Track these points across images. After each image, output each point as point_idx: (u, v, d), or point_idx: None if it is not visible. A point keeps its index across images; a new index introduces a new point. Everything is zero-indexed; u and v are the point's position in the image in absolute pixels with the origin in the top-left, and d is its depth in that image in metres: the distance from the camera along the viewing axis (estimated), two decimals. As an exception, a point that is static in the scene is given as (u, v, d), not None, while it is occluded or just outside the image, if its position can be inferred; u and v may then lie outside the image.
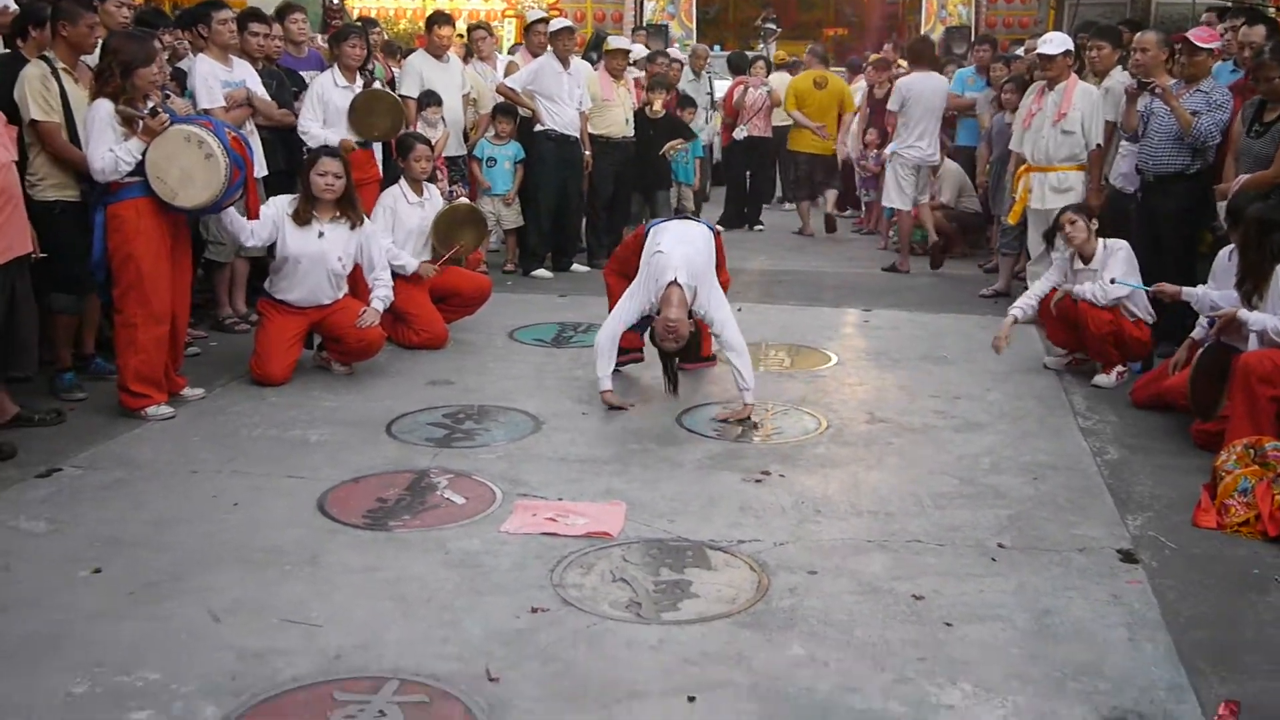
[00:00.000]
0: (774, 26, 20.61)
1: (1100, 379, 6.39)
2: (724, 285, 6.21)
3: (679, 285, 5.51)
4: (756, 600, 3.77)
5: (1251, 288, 5.32)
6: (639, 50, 12.35)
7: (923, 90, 9.68)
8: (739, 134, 12.10)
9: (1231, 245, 5.66)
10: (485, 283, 7.47)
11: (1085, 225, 6.42)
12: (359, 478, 4.82)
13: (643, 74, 11.08)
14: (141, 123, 5.35)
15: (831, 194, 12.12)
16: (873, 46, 18.59)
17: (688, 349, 5.78)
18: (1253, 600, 3.89)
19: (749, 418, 5.62)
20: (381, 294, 6.31)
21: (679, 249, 5.67)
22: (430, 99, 8.53)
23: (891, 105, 9.98)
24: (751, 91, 12.01)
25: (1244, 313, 5.27)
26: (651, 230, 6.02)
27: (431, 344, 6.89)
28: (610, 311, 6.01)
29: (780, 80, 12.52)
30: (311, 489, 4.67)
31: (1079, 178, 7.69)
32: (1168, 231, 6.86)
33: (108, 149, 5.31)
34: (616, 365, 5.97)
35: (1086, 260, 6.44)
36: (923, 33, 18.87)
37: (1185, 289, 5.86)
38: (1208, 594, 3.92)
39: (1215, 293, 5.67)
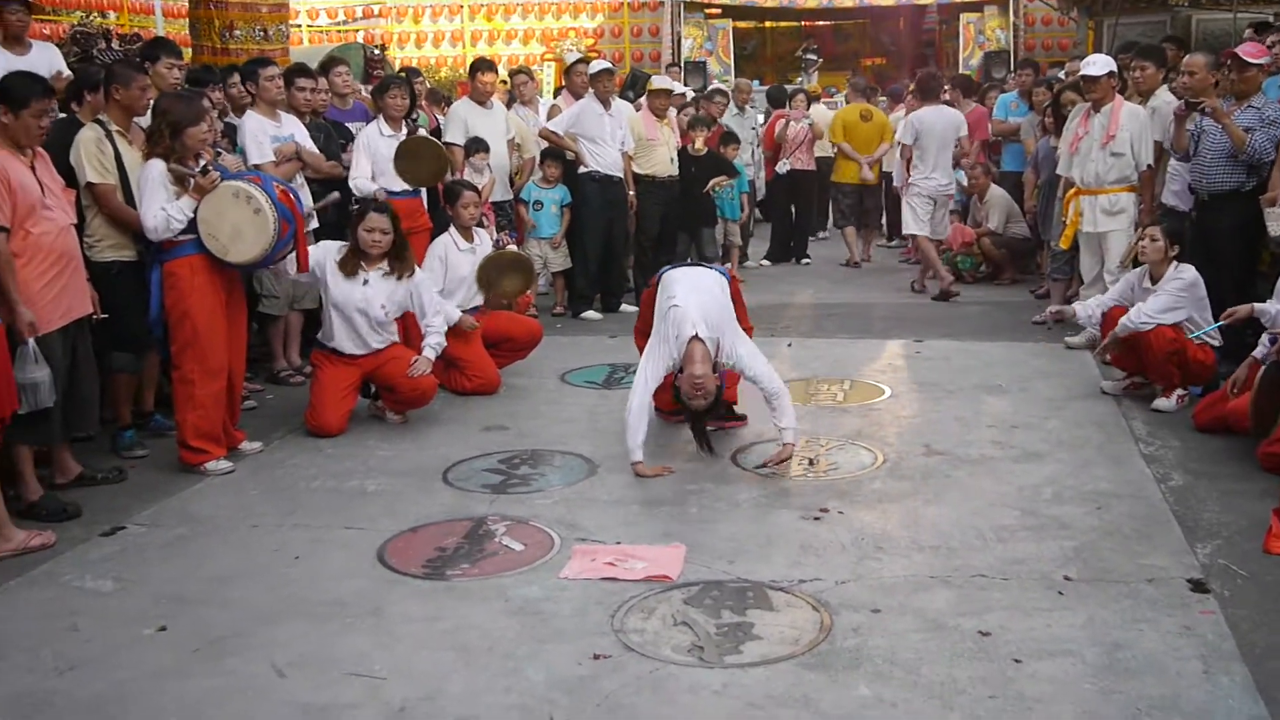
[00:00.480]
0: (815, 57, 20.69)
1: (1160, 403, 6.29)
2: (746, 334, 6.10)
3: (700, 340, 5.27)
4: (820, 641, 3.73)
5: None
6: (682, 88, 12.48)
7: (935, 123, 9.95)
8: (781, 168, 12.09)
9: None
10: (536, 327, 7.50)
11: (1164, 245, 6.34)
12: (417, 527, 4.83)
13: (678, 112, 11.13)
14: (192, 181, 5.45)
15: (868, 231, 12.15)
16: (910, 75, 18.58)
17: (715, 404, 5.42)
18: (1331, 628, 3.80)
19: (790, 458, 5.40)
20: (433, 342, 6.36)
21: (693, 299, 5.41)
22: (478, 145, 8.62)
23: (903, 138, 10.19)
24: (793, 125, 12.01)
25: None
26: (663, 280, 5.72)
27: (484, 389, 6.93)
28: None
29: (819, 113, 12.54)
30: (370, 540, 4.69)
31: (1130, 199, 7.61)
32: (1224, 250, 6.77)
33: (159, 208, 5.41)
34: (668, 422, 5.93)
35: (1155, 280, 6.37)
36: (961, 58, 18.87)
37: (1256, 305, 5.75)
38: (1284, 622, 3.82)
39: None
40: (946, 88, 11.59)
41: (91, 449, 5.71)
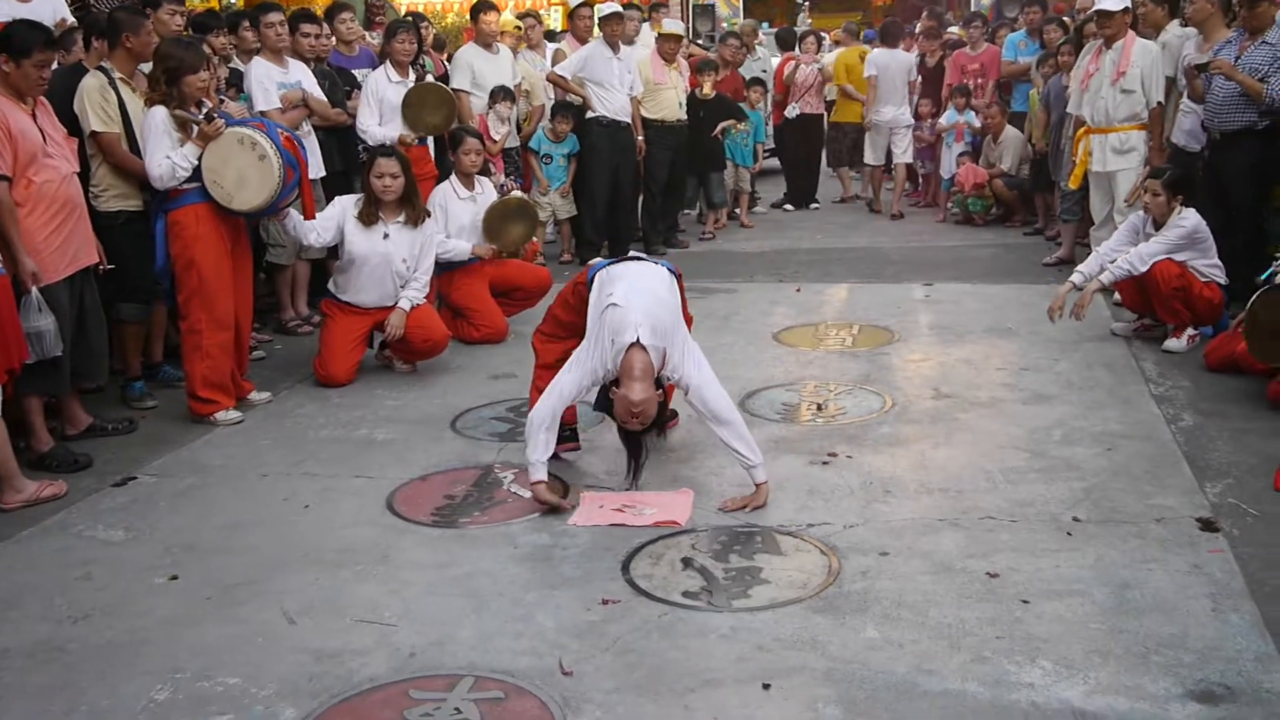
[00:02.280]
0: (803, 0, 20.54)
1: (1171, 343, 6.25)
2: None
3: (642, 347, 4.22)
4: (828, 584, 3.74)
5: None
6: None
7: (889, 64, 11.32)
8: (791, 112, 11.99)
9: None
10: (545, 275, 7.46)
11: (1165, 200, 6.26)
12: (426, 475, 4.85)
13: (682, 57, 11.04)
14: (196, 128, 5.41)
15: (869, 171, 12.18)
16: (917, 15, 18.38)
17: (654, 425, 4.40)
18: (1340, 566, 3.79)
19: (765, 503, 4.40)
20: (410, 295, 6.26)
21: (637, 300, 4.35)
22: (504, 94, 8.54)
23: (866, 74, 11.40)
24: (803, 68, 11.90)
25: None
26: (596, 277, 4.61)
27: (492, 339, 6.92)
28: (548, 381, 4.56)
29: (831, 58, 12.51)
30: (380, 488, 4.70)
31: (1140, 137, 7.54)
32: (1237, 188, 6.73)
33: (164, 156, 5.37)
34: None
35: (1159, 227, 6.31)
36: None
37: None
38: (1293, 561, 3.81)
39: None
40: (975, 24, 11.52)
41: (101, 400, 5.74)
